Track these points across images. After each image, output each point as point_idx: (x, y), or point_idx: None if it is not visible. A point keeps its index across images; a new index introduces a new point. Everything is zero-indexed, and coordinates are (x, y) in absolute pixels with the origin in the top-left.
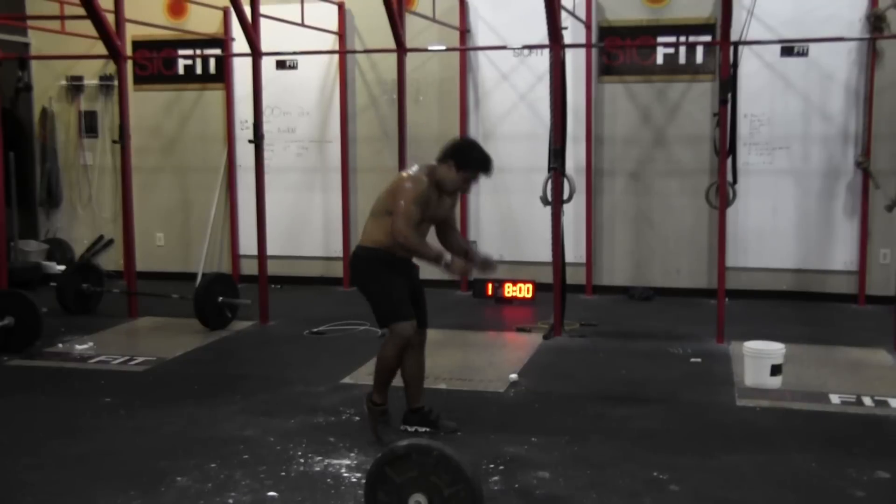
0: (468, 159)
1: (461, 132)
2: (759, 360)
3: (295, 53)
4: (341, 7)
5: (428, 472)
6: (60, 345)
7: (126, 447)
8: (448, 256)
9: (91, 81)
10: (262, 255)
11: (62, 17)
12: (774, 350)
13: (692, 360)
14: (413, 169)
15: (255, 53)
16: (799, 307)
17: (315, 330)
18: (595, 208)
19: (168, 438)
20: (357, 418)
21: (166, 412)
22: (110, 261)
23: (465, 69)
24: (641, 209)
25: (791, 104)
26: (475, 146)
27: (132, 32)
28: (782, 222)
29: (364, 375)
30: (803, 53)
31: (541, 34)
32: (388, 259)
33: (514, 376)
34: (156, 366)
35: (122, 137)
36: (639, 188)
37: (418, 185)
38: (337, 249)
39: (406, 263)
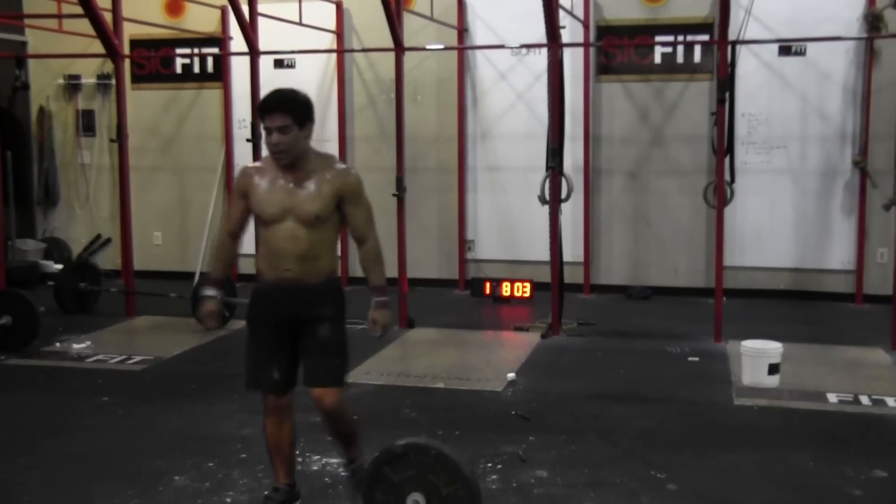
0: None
1: (459, 131)
2: (757, 359)
3: (293, 52)
4: (339, 6)
5: (426, 471)
6: (58, 344)
7: (123, 446)
8: (210, 293)
9: (89, 80)
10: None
11: (59, 16)
12: (772, 349)
13: (690, 359)
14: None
15: (253, 52)
16: (796, 306)
17: None
18: (593, 207)
19: (165, 437)
20: (355, 417)
21: (164, 411)
22: (108, 260)
23: (463, 68)
24: (639, 208)
25: (789, 104)
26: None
27: (130, 31)
28: (780, 221)
29: (362, 375)
30: (801, 53)
31: (539, 33)
32: (256, 292)
33: (511, 375)
34: (153, 365)
35: (120, 136)
36: (637, 187)
37: (237, 174)
38: None
39: (282, 294)
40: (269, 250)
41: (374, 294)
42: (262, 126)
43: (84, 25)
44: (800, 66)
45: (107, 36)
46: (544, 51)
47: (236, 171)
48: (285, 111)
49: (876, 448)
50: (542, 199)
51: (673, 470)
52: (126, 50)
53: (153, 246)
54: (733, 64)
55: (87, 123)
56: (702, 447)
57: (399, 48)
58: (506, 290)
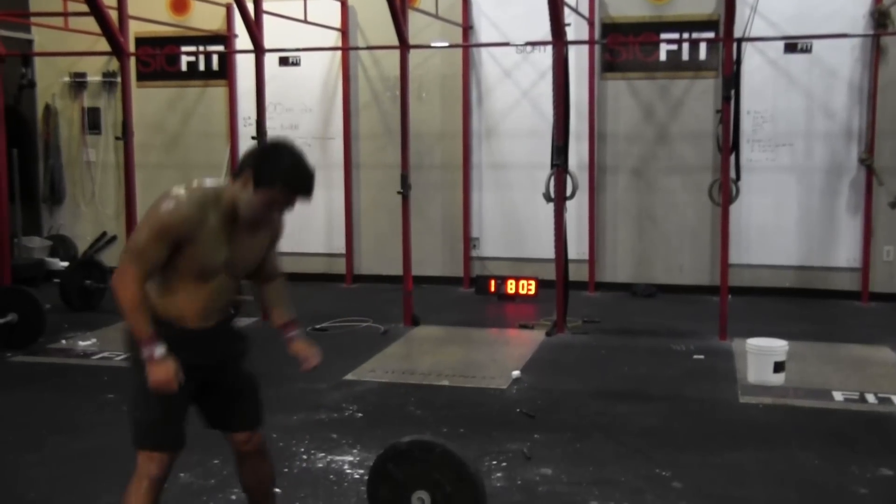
0: (269, 170)
1: (464, 128)
2: (762, 357)
3: (298, 50)
4: (344, 3)
5: (430, 469)
6: (63, 341)
7: (129, 443)
8: (158, 351)
9: (94, 78)
10: None
11: (65, 14)
12: (777, 347)
13: (695, 357)
14: (182, 187)
15: (258, 50)
16: (802, 304)
17: (318, 327)
18: (598, 205)
19: None
20: (360, 415)
21: None
22: (113, 257)
23: (467, 66)
24: (644, 206)
25: (794, 101)
26: (284, 150)
27: (135, 29)
28: (785, 219)
29: (367, 372)
30: (807, 50)
31: (544, 31)
32: (168, 337)
33: (516, 373)
34: None
35: (125, 134)
36: (641, 185)
37: (175, 210)
38: (339, 246)
39: (203, 340)
40: (196, 306)
41: (291, 329)
42: (265, 195)
43: (90, 23)
44: (806, 64)
45: (112, 34)
46: (549, 48)
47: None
48: None
49: (882, 446)
50: (547, 197)
51: (678, 468)
52: (131, 48)
53: None
54: (739, 61)
55: (92, 121)
56: (707, 445)
57: (404, 45)
58: (511, 287)
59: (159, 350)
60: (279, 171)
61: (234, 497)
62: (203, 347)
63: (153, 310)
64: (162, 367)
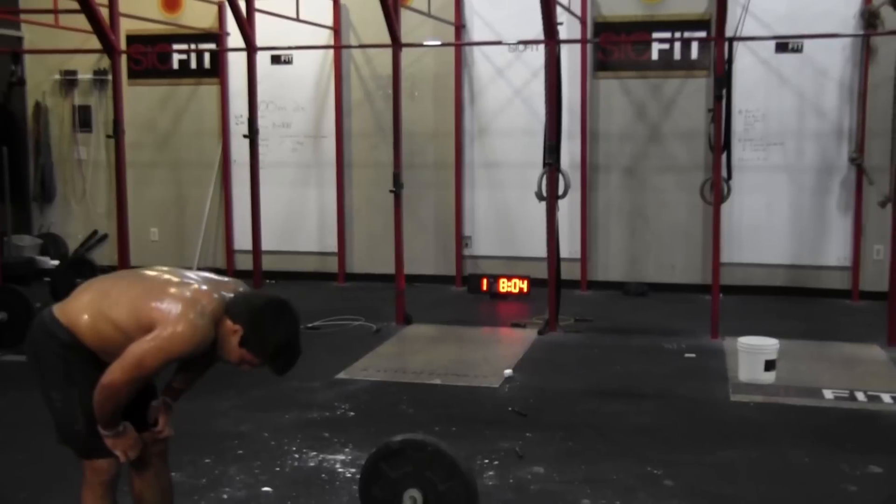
0: (262, 341)
1: (456, 127)
2: (754, 355)
3: (290, 48)
4: (336, 2)
5: (423, 468)
6: None
7: None
8: (123, 425)
9: (85, 76)
10: (256, 250)
11: (56, 11)
12: (768, 345)
13: (686, 355)
14: (205, 300)
15: (250, 48)
16: (793, 303)
17: (310, 325)
18: (590, 204)
19: None
20: (352, 414)
21: None
22: (104, 256)
23: (460, 65)
24: (636, 205)
25: (785, 100)
26: (281, 324)
27: (126, 27)
28: (776, 218)
29: (359, 371)
30: (798, 50)
31: (536, 30)
32: (79, 348)
33: (508, 372)
34: None
35: (117, 132)
36: (634, 184)
37: (191, 339)
38: (332, 245)
39: None
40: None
41: (175, 396)
42: (245, 355)
43: (80, 21)
44: (797, 63)
45: (103, 31)
46: (542, 47)
47: (232, 166)
48: None
49: (871, 444)
50: (540, 196)
51: (670, 466)
52: (123, 45)
53: (150, 242)
54: (730, 60)
55: (83, 119)
56: (698, 443)
57: (396, 44)
58: (503, 286)
59: (123, 426)
60: (269, 348)
61: (225, 497)
62: None
63: (82, 335)
64: (126, 438)
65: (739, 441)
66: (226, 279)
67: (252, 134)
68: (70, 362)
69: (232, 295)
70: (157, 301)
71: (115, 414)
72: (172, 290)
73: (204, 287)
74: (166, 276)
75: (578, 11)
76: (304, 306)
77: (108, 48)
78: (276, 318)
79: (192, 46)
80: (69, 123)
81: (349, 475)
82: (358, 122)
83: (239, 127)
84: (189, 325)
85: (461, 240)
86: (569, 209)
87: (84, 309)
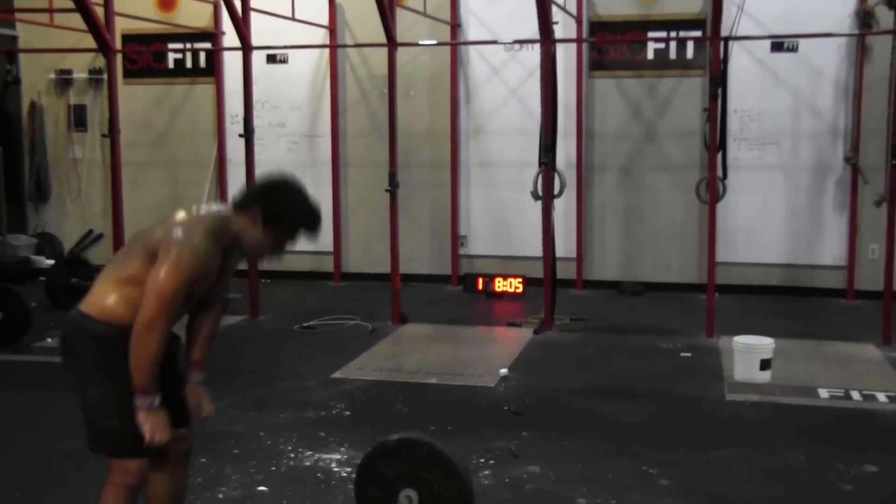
0: (280, 209)
1: (452, 127)
2: (749, 354)
3: (285, 48)
4: (332, 1)
5: (418, 467)
6: (49, 339)
7: None
8: (157, 401)
9: (80, 75)
10: None
11: (51, 10)
12: (764, 345)
13: (682, 354)
14: (200, 217)
15: (246, 47)
16: (788, 302)
17: (305, 325)
18: (585, 203)
19: None
20: (348, 413)
21: None
22: (100, 255)
23: (455, 64)
24: (632, 204)
25: (781, 100)
26: (294, 189)
27: (122, 26)
28: (772, 217)
29: (355, 370)
30: (793, 49)
31: (532, 29)
32: (126, 343)
33: (504, 371)
34: None
35: (112, 132)
36: (629, 183)
37: (199, 259)
38: (327, 244)
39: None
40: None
41: (199, 369)
42: (275, 233)
43: (76, 20)
44: (792, 63)
45: (98, 30)
46: (537, 46)
47: (228, 165)
48: None
49: (866, 443)
50: (535, 195)
51: (665, 465)
52: (118, 45)
53: None
54: (726, 60)
55: (78, 118)
56: (694, 442)
57: (392, 43)
58: (498, 285)
59: (157, 401)
60: (290, 212)
61: (221, 496)
62: (166, 352)
63: (116, 317)
64: (158, 416)
65: (735, 440)
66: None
67: (247, 133)
68: (105, 356)
69: (225, 207)
70: (160, 231)
71: (151, 368)
72: (170, 218)
73: (201, 208)
74: (162, 217)
75: (574, 11)
76: (299, 306)
77: (104, 47)
78: (283, 186)
79: (188, 46)
80: (64, 123)
81: (345, 474)
82: (353, 122)
83: (234, 126)
84: (191, 249)
85: (457, 239)
86: (564, 208)
87: (106, 289)
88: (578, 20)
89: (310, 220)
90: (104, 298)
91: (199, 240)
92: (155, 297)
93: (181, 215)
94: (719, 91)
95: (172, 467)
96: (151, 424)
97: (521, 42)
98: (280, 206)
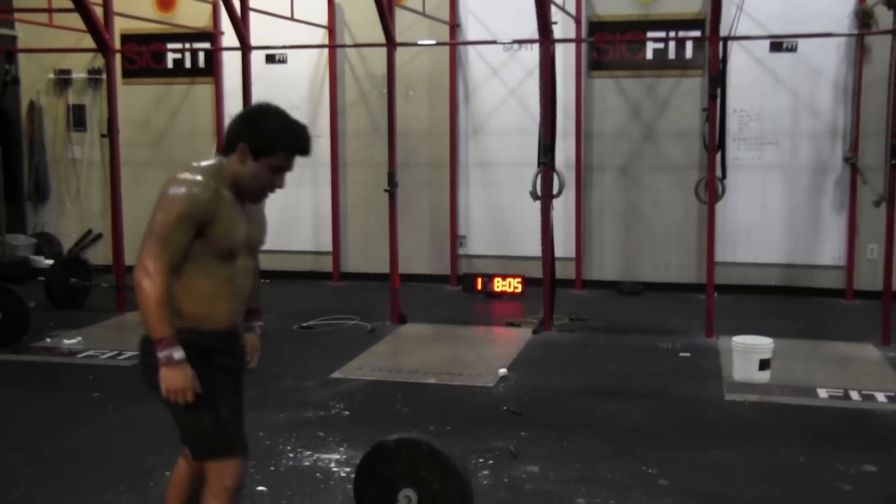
0: (266, 137)
1: (451, 127)
2: (748, 354)
3: (284, 48)
4: (331, 1)
5: (417, 467)
6: (48, 339)
7: (114, 442)
8: (177, 354)
9: (79, 75)
10: None
11: (50, 10)
12: (763, 345)
13: (681, 354)
14: (187, 167)
15: (245, 47)
16: (787, 302)
17: (304, 324)
18: (584, 203)
19: (156, 433)
20: (347, 413)
21: (155, 407)
22: (99, 255)
23: (454, 64)
24: (631, 204)
25: (780, 100)
26: (274, 113)
27: (121, 26)
28: (771, 217)
29: (354, 370)
30: (792, 49)
31: (531, 29)
32: (200, 342)
33: (503, 371)
34: None
35: (111, 131)
36: (628, 183)
37: (192, 190)
38: (326, 244)
39: (225, 340)
40: (225, 292)
41: (256, 317)
42: (268, 162)
43: (75, 20)
44: (791, 63)
45: (97, 30)
46: (536, 46)
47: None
48: None
49: (865, 443)
50: (534, 195)
51: (664, 465)
52: (117, 45)
53: None
54: (725, 60)
55: (77, 118)
56: (693, 442)
57: (391, 43)
58: (497, 285)
59: (178, 353)
60: (277, 136)
61: None
62: (232, 350)
63: (177, 317)
64: (179, 371)
65: (734, 440)
66: None
67: None
68: (190, 358)
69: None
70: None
71: (159, 313)
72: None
73: (189, 164)
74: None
75: (573, 11)
76: (298, 306)
77: (103, 47)
78: (262, 113)
79: (187, 46)
80: (63, 123)
81: (344, 474)
82: (352, 122)
83: None
84: (184, 181)
85: (456, 239)
86: (563, 208)
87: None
88: (577, 20)
89: (297, 141)
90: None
91: (189, 177)
92: (146, 237)
93: (177, 175)
94: (718, 91)
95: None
96: (169, 381)
97: (520, 42)
98: (264, 134)
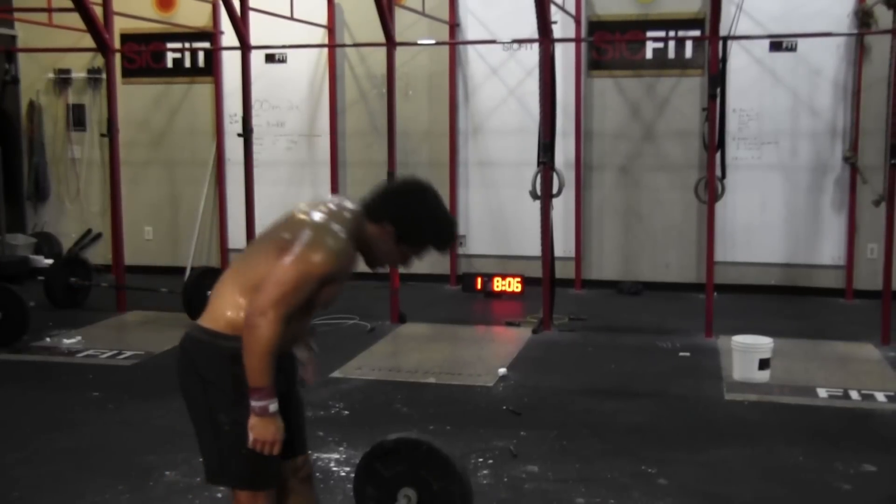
0: (418, 230)
1: (451, 126)
2: (748, 354)
3: (284, 47)
4: (330, 1)
5: (417, 467)
6: (48, 339)
7: (114, 441)
8: (273, 406)
9: (79, 74)
10: None
11: (49, 10)
12: (762, 344)
13: (681, 354)
14: (334, 213)
15: (245, 47)
16: (787, 302)
17: None
18: (584, 203)
19: (156, 432)
20: (346, 412)
21: (155, 406)
22: (98, 255)
23: (454, 63)
24: (630, 204)
25: (780, 99)
26: (429, 204)
27: (120, 25)
28: (770, 217)
29: (353, 370)
30: (792, 49)
31: (530, 28)
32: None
33: (503, 370)
34: (144, 360)
35: (111, 131)
36: (628, 183)
37: (334, 257)
38: None
39: (282, 360)
40: (292, 334)
41: (312, 334)
42: (408, 250)
43: (74, 19)
44: (791, 62)
45: (97, 30)
46: (536, 46)
47: (226, 165)
48: None
49: (865, 443)
50: (534, 195)
51: (664, 464)
52: (117, 44)
53: (144, 241)
54: (724, 59)
55: (77, 118)
56: (692, 442)
57: (390, 43)
58: (497, 285)
59: (274, 405)
60: (426, 234)
61: (219, 495)
62: (287, 372)
63: (231, 327)
64: (272, 423)
65: (733, 440)
66: (334, 199)
67: (246, 133)
68: (239, 376)
69: (355, 204)
70: (290, 230)
71: (266, 364)
72: (299, 215)
73: (330, 206)
74: (289, 213)
75: (573, 10)
76: None
77: (102, 47)
78: (421, 200)
79: (186, 45)
80: (63, 122)
81: (343, 474)
82: (352, 121)
83: (233, 126)
84: (330, 246)
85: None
86: (563, 208)
87: (233, 300)
88: (577, 20)
89: (444, 242)
90: (231, 310)
91: (334, 239)
92: (274, 283)
93: (314, 213)
94: (718, 90)
95: (303, 496)
96: (260, 431)
97: (519, 41)
98: (415, 226)
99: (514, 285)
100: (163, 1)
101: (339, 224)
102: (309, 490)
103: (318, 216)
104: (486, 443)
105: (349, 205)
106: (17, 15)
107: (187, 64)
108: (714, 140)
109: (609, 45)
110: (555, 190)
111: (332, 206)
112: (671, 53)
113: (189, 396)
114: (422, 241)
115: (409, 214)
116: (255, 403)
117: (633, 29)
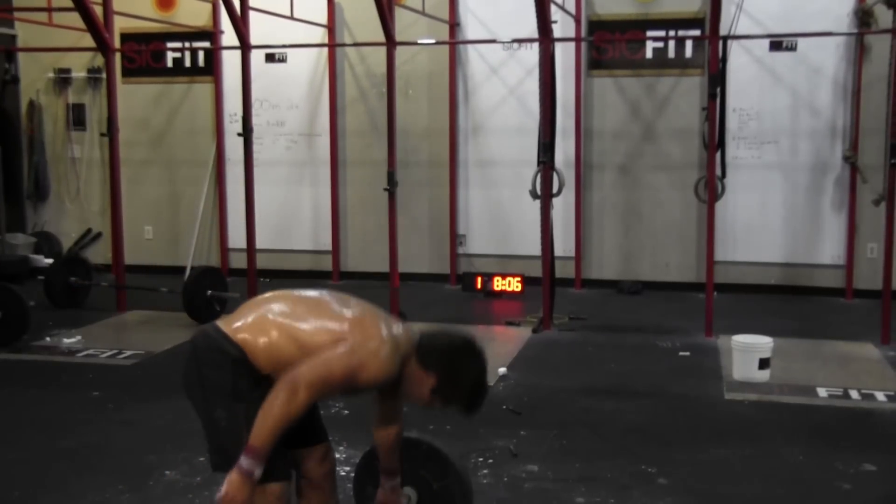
0: (455, 389)
1: (451, 125)
2: (748, 353)
3: (284, 47)
4: (330, 0)
5: (417, 466)
6: (48, 338)
7: (114, 441)
8: (258, 471)
9: (79, 74)
10: (250, 248)
11: (49, 9)
12: (762, 344)
13: (681, 353)
14: (406, 336)
15: (245, 46)
16: (787, 301)
17: None
18: (584, 202)
19: (156, 432)
20: (346, 412)
21: (155, 406)
22: (98, 254)
23: (454, 63)
24: (630, 203)
25: (779, 99)
26: (476, 375)
27: (120, 25)
28: (770, 216)
29: None
30: (792, 48)
31: (530, 28)
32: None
33: (503, 370)
34: (144, 359)
35: (111, 130)
36: (628, 182)
37: (377, 376)
38: (326, 243)
39: None
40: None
41: (393, 477)
42: (440, 401)
43: (74, 19)
44: (791, 62)
45: (97, 29)
46: (536, 45)
47: (227, 164)
48: None
49: (865, 442)
50: (534, 194)
51: (664, 464)
52: (117, 44)
53: (144, 240)
54: (724, 59)
55: (77, 117)
56: (693, 441)
57: (390, 42)
58: (497, 284)
59: (259, 471)
60: (461, 397)
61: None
62: None
63: (258, 358)
64: (248, 488)
65: (733, 439)
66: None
67: (246, 132)
68: (238, 378)
69: (417, 335)
70: (357, 329)
71: (275, 434)
72: (368, 320)
73: (396, 326)
74: (354, 304)
75: (573, 10)
76: None
77: (102, 46)
78: (469, 366)
79: (187, 44)
80: (63, 121)
81: (343, 473)
82: (352, 121)
83: (233, 125)
84: (381, 363)
85: (455, 238)
86: (563, 207)
87: (262, 328)
88: (577, 19)
89: (472, 409)
90: (257, 334)
91: (391, 362)
92: (322, 368)
93: (394, 324)
94: (718, 90)
95: (324, 491)
96: (234, 490)
97: (519, 41)
98: (455, 388)
99: (514, 285)
100: (163, 0)
101: (400, 349)
102: (330, 487)
103: (394, 330)
104: (486, 442)
105: (411, 335)
106: (17, 14)
107: (187, 63)
108: (714, 139)
109: (609, 44)
110: (555, 189)
111: (405, 328)
112: (671, 53)
113: (192, 394)
114: (454, 401)
115: (457, 377)
116: (244, 462)
117: (633, 28)
